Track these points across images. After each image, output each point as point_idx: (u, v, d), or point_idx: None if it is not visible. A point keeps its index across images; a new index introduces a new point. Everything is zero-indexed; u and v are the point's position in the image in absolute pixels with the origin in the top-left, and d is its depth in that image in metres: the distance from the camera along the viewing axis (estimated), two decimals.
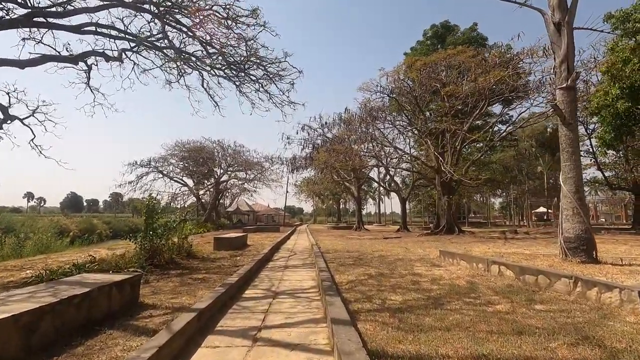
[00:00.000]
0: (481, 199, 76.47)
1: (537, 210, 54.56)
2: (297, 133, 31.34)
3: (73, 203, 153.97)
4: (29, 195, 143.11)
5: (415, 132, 23.33)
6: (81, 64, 12.31)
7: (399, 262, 9.00)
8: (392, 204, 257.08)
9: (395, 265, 8.43)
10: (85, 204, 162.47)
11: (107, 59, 12.05)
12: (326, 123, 30.18)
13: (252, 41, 8.14)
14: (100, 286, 4.23)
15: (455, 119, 19.57)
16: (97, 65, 13.08)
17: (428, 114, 23.55)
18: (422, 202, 64.74)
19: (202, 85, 10.41)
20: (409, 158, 25.26)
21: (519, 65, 19.84)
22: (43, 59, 10.76)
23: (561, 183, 7.02)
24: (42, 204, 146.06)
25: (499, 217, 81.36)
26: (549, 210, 53.62)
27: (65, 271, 7.19)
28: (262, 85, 9.31)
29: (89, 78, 12.93)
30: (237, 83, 11.14)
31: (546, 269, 5.99)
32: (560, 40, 7.09)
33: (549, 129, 44.11)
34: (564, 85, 6.99)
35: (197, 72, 10.52)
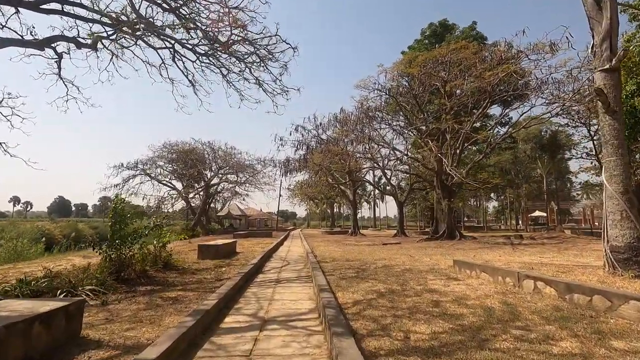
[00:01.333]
0: (474, 203, 75.93)
1: (532, 215, 53.90)
2: (290, 134, 30.12)
3: (61, 207, 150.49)
4: (15, 200, 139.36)
5: (414, 132, 22.28)
6: (50, 51, 11.02)
7: (409, 275, 7.80)
8: (387, 208, 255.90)
9: (405, 279, 7.23)
10: (73, 208, 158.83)
11: (79, 45, 10.74)
12: (321, 124, 29.02)
13: (237, 10, 6.94)
14: (7, 325, 2.94)
15: (459, 117, 18.56)
16: (68, 53, 11.82)
17: (427, 114, 22.53)
18: (417, 206, 63.79)
19: (173, 60, 9.21)
20: (408, 160, 24.20)
21: (519, 64, 18.96)
22: (2, 43, 9.41)
23: (604, 182, 5.94)
24: (28, 209, 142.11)
25: (491, 221, 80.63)
26: (544, 214, 53.07)
27: (6, 289, 5.87)
28: (251, 70, 8.10)
29: (60, 68, 11.62)
30: (224, 72, 9.95)
31: (602, 287, 4.84)
32: (601, 14, 6.06)
33: (544, 132, 43.66)
34: (607, 66, 5.94)
35: (172, 52, 9.29)
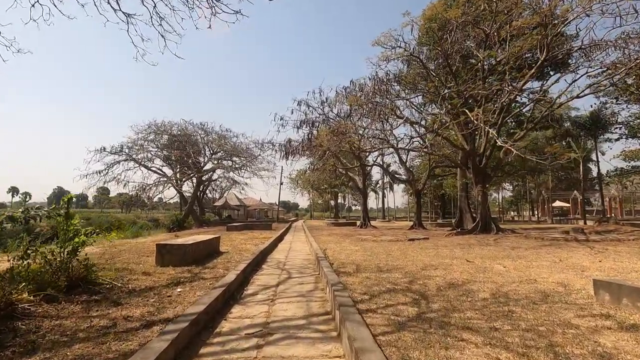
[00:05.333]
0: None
1: (553, 205, 49.73)
2: (292, 113, 26.20)
3: (60, 198, 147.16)
4: (14, 190, 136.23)
5: (444, 104, 18.23)
6: None
7: (521, 311, 4.00)
8: (394, 198, 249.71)
9: (533, 327, 3.42)
10: (74, 199, 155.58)
11: None
12: (327, 99, 25.07)
13: None
14: None
15: (508, 76, 14.60)
16: None
17: (459, 80, 18.45)
18: (427, 195, 59.75)
19: None
20: (433, 139, 20.16)
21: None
22: None
23: None
24: (27, 199, 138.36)
25: (500, 212, 75.83)
26: (566, 205, 49.10)
27: None
28: None
29: None
30: None
31: None
32: None
33: (564, 113, 39.05)
34: None
35: None
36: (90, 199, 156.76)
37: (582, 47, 16.11)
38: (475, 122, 14.04)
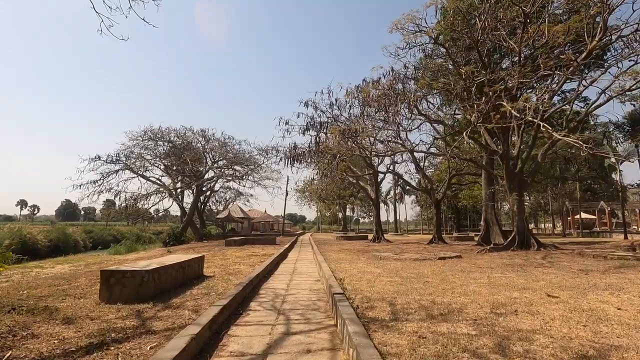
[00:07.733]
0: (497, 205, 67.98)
1: (576, 217, 46.32)
2: (297, 116, 24.06)
3: (68, 211, 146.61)
4: (22, 203, 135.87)
5: (472, 100, 15.83)
6: None
7: None
8: (406, 210, 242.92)
9: None
10: (82, 212, 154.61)
11: None
12: (336, 100, 22.89)
13: None
14: None
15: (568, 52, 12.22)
16: None
17: (491, 70, 16.10)
18: (442, 205, 56.51)
19: None
20: (465, 137, 17.64)
21: None
22: None
23: None
24: (35, 212, 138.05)
25: (509, 224, 71.60)
26: (592, 217, 45.71)
27: None
28: None
29: None
30: None
31: None
32: None
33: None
34: None
35: None
36: (97, 211, 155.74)
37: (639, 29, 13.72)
38: (517, 115, 11.58)
